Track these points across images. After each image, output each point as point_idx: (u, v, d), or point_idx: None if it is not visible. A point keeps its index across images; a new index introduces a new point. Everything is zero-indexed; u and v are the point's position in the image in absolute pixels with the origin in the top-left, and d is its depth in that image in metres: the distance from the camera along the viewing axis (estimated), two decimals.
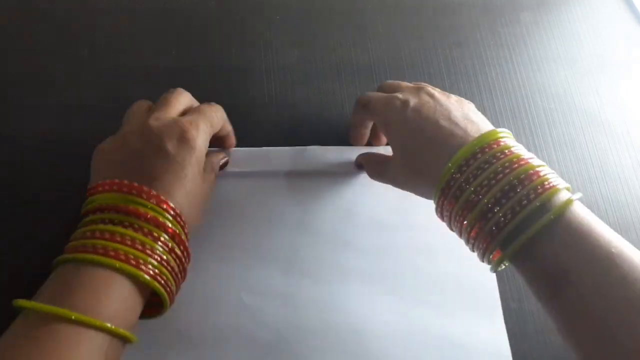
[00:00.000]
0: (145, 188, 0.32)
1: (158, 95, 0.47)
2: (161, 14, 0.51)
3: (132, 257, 0.30)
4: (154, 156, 0.34)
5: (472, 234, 0.33)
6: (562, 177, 0.48)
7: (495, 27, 0.55)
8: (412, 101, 0.37)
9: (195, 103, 0.40)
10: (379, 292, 0.41)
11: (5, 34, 0.48)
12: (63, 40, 0.48)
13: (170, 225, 0.32)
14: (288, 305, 0.40)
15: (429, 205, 0.36)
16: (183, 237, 0.33)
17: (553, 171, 0.33)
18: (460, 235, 0.34)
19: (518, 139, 0.49)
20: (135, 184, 0.32)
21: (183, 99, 0.38)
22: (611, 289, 0.28)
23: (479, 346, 0.40)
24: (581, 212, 0.31)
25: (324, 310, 0.40)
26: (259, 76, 0.49)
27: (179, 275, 0.33)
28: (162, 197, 0.32)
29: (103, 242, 0.30)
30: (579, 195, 0.32)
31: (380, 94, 0.40)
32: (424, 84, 0.40)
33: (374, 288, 0.41)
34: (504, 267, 0.33)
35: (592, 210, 0.47)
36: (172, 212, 0.32)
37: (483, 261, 0.34)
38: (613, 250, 0.29)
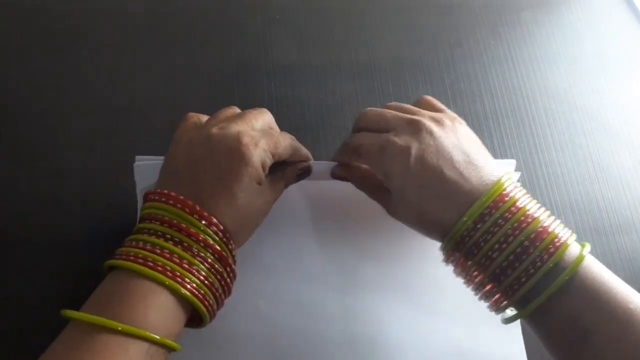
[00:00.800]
0: (197, 208, 0.32)
1: (155, 95, 0.47)
2: (161, 14, 0.51)
3: (178, 274, 0.30)
4: (209, 169, 0.33)
5: (485, 291, 0.33)
6: (562, 177, 0.48)
7: (495, 27, 0.55)
8: (413, 148, 0.34)
9: (275, 127, 0.39)
10: (396, 301, 0.41)
11: (6, 34, 0.48)
12: (62, 41, 0.48)
13: (217, 246, 0.32)
14: (305, 314, 0.40)
15: None
16: (229, 258, 0.33)
17: (558, 221, 0.33)
18: (470, 287, 0.35)
19: (518, 139, 0.49)
20: (190, 202, 0.32)
21: (262, 118, 0.37)
22: (632, 348, 0.29)
23: (495, 356, 0.40)
24: (594, 268, 0.32)
25: (341, 319, 0.40)
26: (259, 76, 0.49)
27: (222, 293, 0.33)
28: (213, 219, 0.32)
29: (153, 255, 0.30)
30: (588, 248, 0.32)
31: (370, 135, 0.37)
32: (415, 113, 0.37)
33: (390, 297, 0.41)
34: (513, 321, 0.34)
35: (593, 210, 0.47)
36: (220, 235, 0.32)
37: (492, 312, 0.34)
38: (631, 306, 0.30)
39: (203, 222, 0.32)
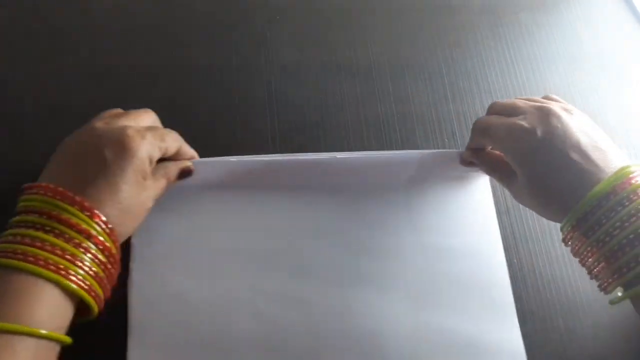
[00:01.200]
0: (77, 199, 0.31)
1: (155, 94, 0.47)
2: (161, 14, 0.51)
3: (62, 267, 0.30)
4: (91, 160, 0.33)
5: (597, 269, 0.34)
6: None
7: (495, 27, 0.55)
8: (539, 130, 0.36)
9: (160, 125, 0.39)
10: (392, 294, 0.41)
11: (6, 34, 0.48)
12: (62, 41, 0.48)
13: (100, 237, 0.32)
14: (302, 310, 0.40)
15: (439, 205, 0.36)
16: (113, 249, 0.33)
17: None
18: (584, 266, 0.35)
19: None
20: (69, 194, 0.31)
21: (147, 117, 0.38)
22: None
23: (492, 345, 0.40)
24: None
25: (338, 313, 0.40)
26: (259, 76, 0.49)
27: (107, 283, 0.33)
28: (95, 211, 0.32)
29: (33, 250, 0.30)
30: None
31: (499, 118, 0.39)
32: (544, 102, 0.38)
33: (386, 290, 0.41)
34: (618, 300, 0.34)
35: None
36: (102, 225, 0.32)
37: (603, 292, 0.35)
38: None
39: (85, 213, 0.31)
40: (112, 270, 0.33)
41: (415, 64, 0.52)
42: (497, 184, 0.46)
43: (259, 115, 0.47)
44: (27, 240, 0.30)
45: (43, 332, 0.29)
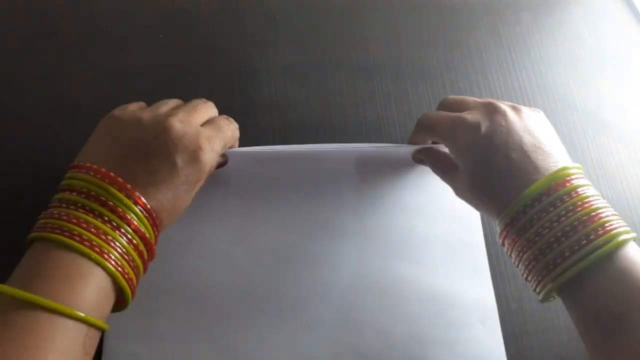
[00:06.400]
0: (136, 193, 0.31)
1: (158, 95, 0.47)
2: (161, 14, 0.51)
3: (95, 244, 0.29)
4: (161, 162, 0.33)
5: (530, 267, 0.34)
6: None
7: (495, 28, 0.55)
8: (484, 125, 0.36)
9: (217, 114, 0.39)
10: (371, 248, 0.42)
11: (5, 35, 0.48)
12: (63, 40, 0.48)
13: (139, 226, 0.31)
14: (280, 261, 0.41)
15: (419, 168, 0.41)
16: (152, 239, 0.33)
17: (616, 214, 0.33)
18: (518, 266, 0.35)
19: None
20: (129, 186, 0.31)
21: (211, 111, 0.38)
22: None
23: (466, 301, 0.42)
24: (635, 254, 0.31)
25: (316, 266, 0.41)
26: (259, 76, 0.49)
27: (139, 270, 0.33)
28: (142, 199, 0.31)
29: (71, 225, 0.29)
30: (633, 235, 0.32)
31: (444, 113, 0.39)
32: (492, 101, 0.38)
33: (365, 245, 0.43)
34: (553, 299, 0.34)
35: None
36: (146, 215, 0.32)
37: (535, 291, 0.34)
38: None
39: (132, 200, 0.31)
40: (146, 259, 0.33)
41: (415, 64, 0.52)
42: None
43: (259, 115, 0.47)
44: (74, 220, 0.30)
45: (97, 321, 0.28)
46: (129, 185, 0.31)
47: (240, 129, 0.46)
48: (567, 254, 0.32)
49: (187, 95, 0.47)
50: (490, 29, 0.55)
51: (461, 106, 0.39)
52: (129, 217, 0.31)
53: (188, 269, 0.40)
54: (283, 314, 0.40)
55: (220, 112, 0.47)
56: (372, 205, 0.44)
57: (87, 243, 0.29)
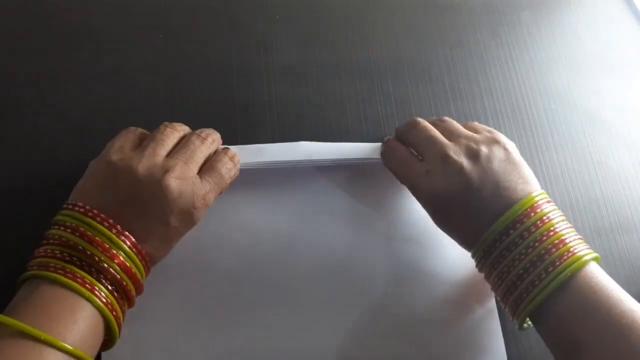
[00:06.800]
0: (133, 240, 0.33)
1: (157, 95, 0.47)
2: (161, 14, 0.51)
3: (87, 281, 0.31)
4: (156, 223, 0.34)
5: (505, 298, 0.35)
6: (562, 177, 0.48)
7: (495, 27, 0.55)
8: (440, 188, 0.37)
9: (219, 145, 0.40)
10: (366, 229, 0.43)
11: (5, 34, 0.48)
12: (62, 40, 0.48)
13: (130, 264, 0.33)
14: (277, 243, 0.41)
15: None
16: (140, 276, 0.34)
17: (580, 237, 0.34)
18: (496, 296, 0.37)
19: (518, 139, 0.49)
20: (125, 232, 0.33)
21: (211, 148, 0.38)
22: None
23: (466, 299, 0.42)
24: (593, 278, 0.32)
25: (316, 250, 0.42)
26: (259, 76, 0.49)
27: (124, 305, 0.34)
28: (133, 239, 0.33)
29: (71, 266, 0.31)
30: (593, 256, 0.33)
31: (406, 156, 0.40)
32: (447, 152, 0.38)
33: (360, 226, 0.43)
34: (527, 327, 0.35)
35: (593, 210, 0.47)
36: (140, 257, 0.33)
37: (512, 320, 0.35)
38: (624, 322, 0.30)
39: (129, 247, 0.33)
40: (133, 295, 0.34)
41: (415, 64, 0.52)
42: None
43: (259, 115, 0.47)
44: (67, 258, 0.31)
45: (71, 348, 0.29)
46: (119, 226, 0.33)
47: (240, 129, 0.46)
48: (536, 282, 0.33)
49: (187, 95, 0.47)
50: (490, 29, 0.55)
51: (420, 146, 0.40)
52: (114, 251, 0.32)
53: (187, 253, 0.40)
54: (283, 297, 0.40)
55: (220, 112, 0.47)
56: (365, 188, 0.44)
57: (79, 280, 0.30)
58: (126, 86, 0.47)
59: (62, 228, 0.32)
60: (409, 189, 0.40)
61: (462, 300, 0.42)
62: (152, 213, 0.33)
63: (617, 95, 0.53)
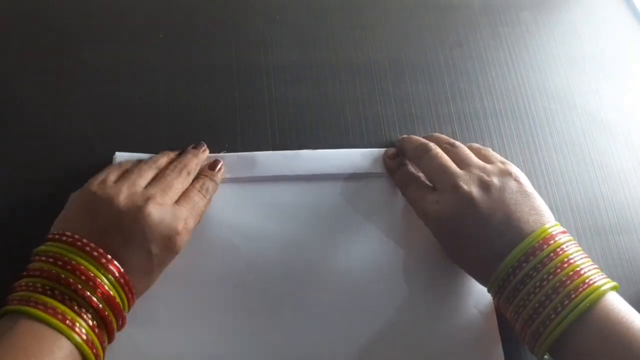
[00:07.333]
0: (121, 269, 0.33)
1: (157, 95, 0.47)
2: (161, 14, 0.51)
3: (67, 316, 0.30)
4: (137, 250, 0.34)
5: (523, 332, 0.34)
6: (562, 177, 0.48)
7: (495, 27, 0.55)
8: (452, 219, 0.37)
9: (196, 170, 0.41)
10: (363, 234, 0.43)
11: (5, 34, 0.48)
12: (62, 40, 0.48)
13: (113, 293, 0.32)
14: (276, 248, 0.41)
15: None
16: (125, 311, 0.34)
17: (596, 267, 0.34)
18: (514, 329, 0.36)
19: (518, 139, 0.49)
20: (113, 261, 0.33)
21: (182, 182, 0.39)
22: None
23: (460, 286, 0.42)
24: (612, 309, 0.32)
25: (313, 253, 0.42)
26: (259, 76, 0.49)
27: (105, 339, 0.33)
28: (121, 270, 0.33)
29: (52, 301, 0.30)
30: (612, 285, 0.32)
31: (415, 183, 0.42)
32: (457, 182, 0.38)
33: (359, 231, 0.43)
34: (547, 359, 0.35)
35: (592, 210, 0.47)
36: (124, 286, 0.33)
37: (532, 353, 0.35)
38: None
39: (109, 266, 0.32)
40: (114, 328, 0.33)
41: (415, 64, 0.52)
42: None
43: (259, 115, 0.47)
44: (49, 292, 0.31)
45: None
46: (108, 255, 0.33)
47: (240, 129, 0.46)
48: (552, 316, 0.32)
49: (187, 95, 0.47)
50: (490, 28, 0.55)
51: (430, 172, 0.40)
52: (98, 280, 0.32)
53: (187, 255, 0.40)
54: (282, 301, 0.40)
55: (220, 112, 0.47)
56: (364, 200, 0.44)
57: (59, 316, 0.30)
58: (126, 86, 0.47)
59: (43, 258, 0.32)
60: (422, 218, 0.40)
61: (461, 304, 0.41)
62: (134, 241, 0.34)
63: (616, 95, 0.53)
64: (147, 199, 0.35)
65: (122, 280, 0.33)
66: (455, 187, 0.37)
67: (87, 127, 0.45)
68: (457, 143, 0.43)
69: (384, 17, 0.54)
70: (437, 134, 0.46)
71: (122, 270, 0.33)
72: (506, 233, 0.35)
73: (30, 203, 0.42)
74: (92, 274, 0.31)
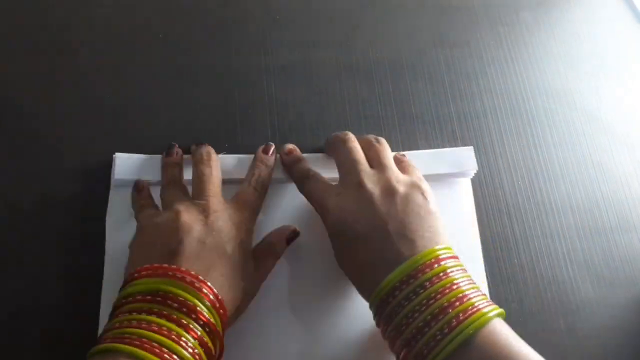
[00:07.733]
0: (199, 279, 0.32)
1: (157, 95, 0.47)
2: (161, 14, 0.51)
3: (165, 350, 0.29)
4: (215, 252, 0.34)
5: (401, 357, 0.32)
6: (562, 178, 0.48)
7: (495, 27, 0.55)
8: (350, 217, 0.36)
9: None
10: None
11: (5, 34, 0.48)
12: (62, 40, 0.48)
13: (210, 318, 0.32)
14: (290, 262, 0.41)
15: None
16: (219, 329, 0.33)
17: (483, 294, 0.33)
18: (392, 351, 0.34)
19: (518, 138, 0.49)
20: (196, 276, 0.32)
21: (216, 174, 0.40)
22: None
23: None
24: (498, 334, 0.31)
25: (313, 253, 0.42)
26: (259, 76, 0.49)
27: None
28: (214, 291, 0.32)
29: (131, 329, 0.30)
30: (497, 312, 0.31)
31: (320, 181, 0.40)
32: (362, 179, 0.37)
33: None
34: None
35: (592, 210, 0.47)
36: (219, 308, 0.32)
37: None
38: None
39: (206, 294, 0.32)
40: (214, 354, 0.32)
41: (415, 64, 0.52)
42: (487, 186, 0.46)
43: (259, 115, 0.47)
44: (144, 325, 0.30)
45: None
46: (200, 277, 0.32)
47: (240, 129, 0.46)
48: (431, 343, 0.30)
49: (187, 95, 0.47)
50: (490, 28, 0.55)
51: (344, 165, 0.39)
52: (198, 309, 0.31)
53: None
54: (281, 303, 0.40)
55: (220, 112, 0.47)
56: None
57: (157, 350, 0.29)
58: (125, 86, 0.47)
59: (135, 298, 0.32)
60: (320, 212, 0.39)
61: None
62: (211, 247, 0.34)
63: (616, 94, 0.53)
64: (207, 214, 0.37)
65: (217, 303, 0.33)
66: (360, 184, 0.37)
67: (86, 127, 0.45)
68: (383, 140, 0.41)
69: (384, 17, 0.54)
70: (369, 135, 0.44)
71: (215, 291, 0.33)
72: (398, 244, 0.34)
73: (31, 203, 0.42)
74: (191, 304, 0.32)
